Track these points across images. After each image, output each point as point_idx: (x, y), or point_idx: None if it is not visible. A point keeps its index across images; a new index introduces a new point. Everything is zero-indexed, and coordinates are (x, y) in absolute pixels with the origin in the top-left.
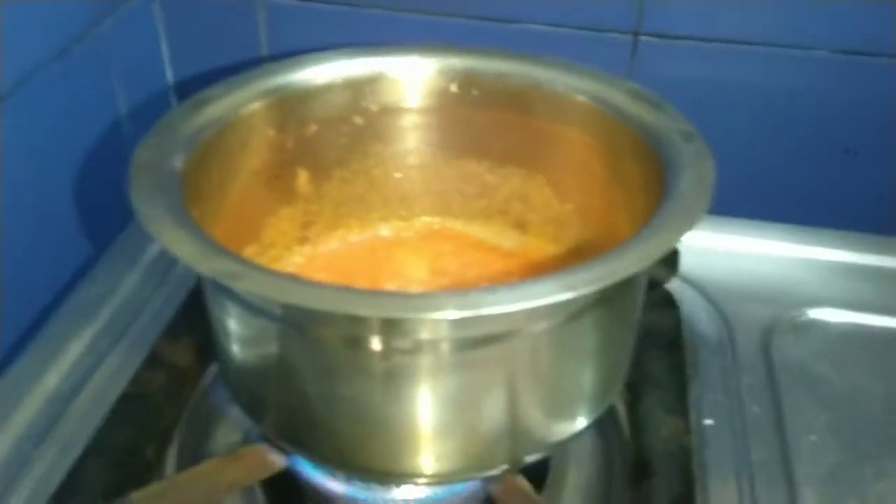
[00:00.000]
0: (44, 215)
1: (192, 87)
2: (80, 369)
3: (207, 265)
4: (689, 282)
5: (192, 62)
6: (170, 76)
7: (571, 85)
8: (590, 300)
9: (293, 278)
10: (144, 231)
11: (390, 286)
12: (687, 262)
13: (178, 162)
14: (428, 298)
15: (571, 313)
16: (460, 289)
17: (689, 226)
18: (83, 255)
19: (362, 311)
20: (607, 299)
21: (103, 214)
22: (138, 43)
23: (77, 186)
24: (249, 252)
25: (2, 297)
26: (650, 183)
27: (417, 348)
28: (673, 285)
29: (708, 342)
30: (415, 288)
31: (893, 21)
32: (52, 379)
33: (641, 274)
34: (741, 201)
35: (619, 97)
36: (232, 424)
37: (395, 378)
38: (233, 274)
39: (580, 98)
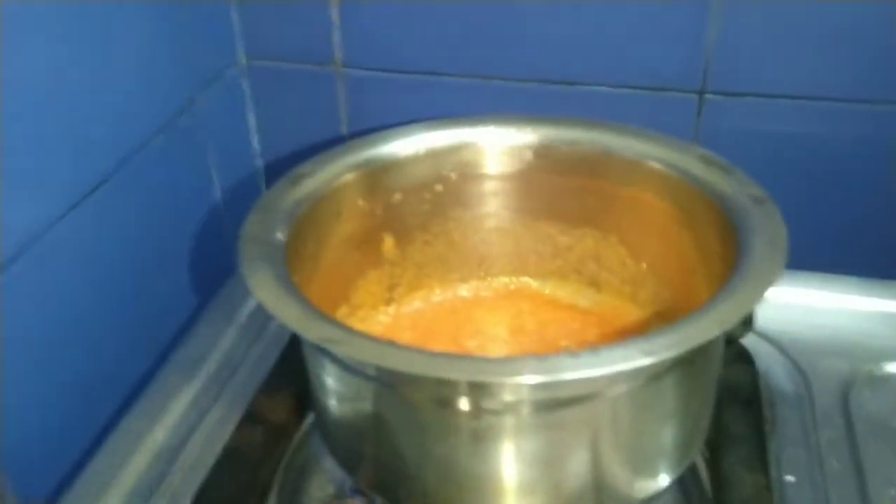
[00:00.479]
0: (147, 280)
1: (279, 154)
2: (184, 425)
3: (313, 331)
4: (765, 337)
5: (278, 133)
6: (258, 146)
7: (643, 151)
8: (669, 363)
9: (388, 343)
10: (239, 291)
11: (471, 344)
12: (762, 317)
13: (280, 234)
14: (511, 363)
15: (651, 376)
16: (541, 354)
17: (764, 289)
18: (182, 317)
19: (452, 374)
20: (686, 361)
21: (202, 279)
22: (229, 116)
23: (175, 252)
24: (341, 313)
25: (111, 357)
26: (724, 245)
27: (502, 410)
28: (748, 340)
29: (786, 397)
30: (494, 346)
31: None
32: (159, 435)
33: (720, 336)
34: (814, 255)
35: (690, 163)
36: (326, 477)
37: (481, 437)
38: (334, 339)
39: (652, 164)
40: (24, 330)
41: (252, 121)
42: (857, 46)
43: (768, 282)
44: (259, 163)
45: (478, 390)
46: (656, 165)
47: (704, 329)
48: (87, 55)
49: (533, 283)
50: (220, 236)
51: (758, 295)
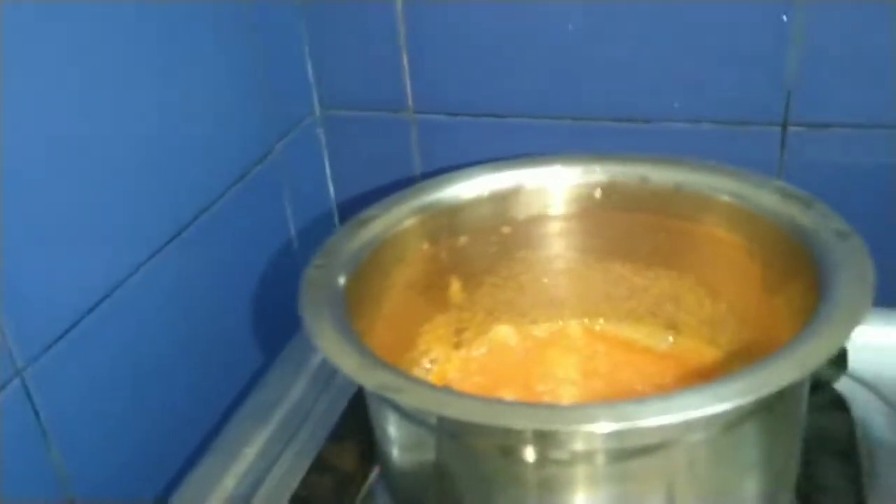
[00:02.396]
0: (223, 327)
1: (352, 200)
2: (254, 473)
3: (371, 379)
4: (861, 381)
5: (351, 179)
6: (332, 193)
7: (716, 186)
8: (748, 409)
9: (448, 391)
10: (307, 341)
11: (542, 388)
12: (856, 360)
13: (342, 279)
14: (578, 410)
15: (728, 423)
16: (611, 400)
17: (850, 329)
18: (256, 363)
19: (513, 423)
20: (767, 407)
21: (275, 325)
22: (305, 164)
23: (252, 299)
24: (408, 358)
25: (186, 402)
26: (807, 284)
27: (570, 459)
28: (842, 385)
29: (885, 447)
30: (566, 390)
31: None
32: (230, 482)
33: (803, 380)
34: None
35: (767, 197)
36: None
37: (548, 488)
38: (393, 387)
39: (726, 199)
40: (99, 378)
41: (327, 168)
42: None
43: (854, 321)
44: (334, 208)
45: (545, 439)
46: (729, 199)
47: (784, 372)
48: (171, 109)
49: (606, 326)
50: (294, 283)
51: (843, 335)
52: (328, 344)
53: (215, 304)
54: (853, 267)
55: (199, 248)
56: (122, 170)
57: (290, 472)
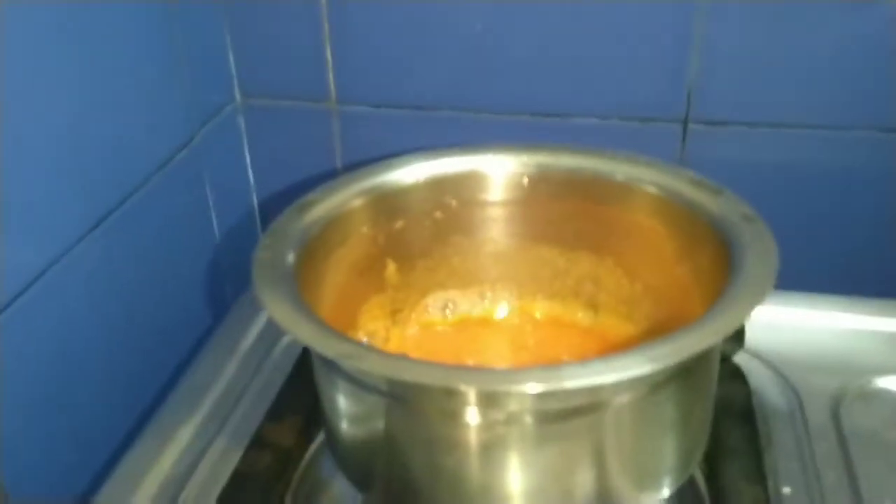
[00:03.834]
0: (148, 312)
1: (272, 191)
2: (190, 454)
3: (330, 348)
4: (757, 355)
5: (272, 168)
6: (252, 181)
7: (634, 175)
8: (669, 373)
9: (401, 357)
10: (240, 322)
11: (473, 363)
12: (753, 337)
13: (291, 258)
14: (517, 373)
15: (652, 386)
16: (546, 364)
17: (757, 301)
18: (184, 348)
19: (461, 384)
20: (685, 372)
21: (199, 311)
22: (226, 152)
23: (177, 285)
24: (350, 335)
25: (114, 391)
26: (717, 264)
27: (508, 420)
28: (741, 358)
29: (779, 412)
30: (496, 363)
31: None
32: (166, 464)
33: (716, 347)
34: (802, 276)
35: (681, 185)
36: (334, 500)
37: (488, 448)
38: (351, 355)
39: (644, 186)
40: (27, 364)
41: (247, 156)
42: (834, 74)
43: (762, 294)
44: (254, 198)
45: (487, 400)
46: (648, 188)
47: (702, 338)
48: (91, 95)
49: (533, 304)
50: (216, 271)
51: (753, 306)
52: (285, 316)
53: (140, 290)
54: (759, 248)
55: (123, 235)
56: (42, 158)
57: (227, 451)
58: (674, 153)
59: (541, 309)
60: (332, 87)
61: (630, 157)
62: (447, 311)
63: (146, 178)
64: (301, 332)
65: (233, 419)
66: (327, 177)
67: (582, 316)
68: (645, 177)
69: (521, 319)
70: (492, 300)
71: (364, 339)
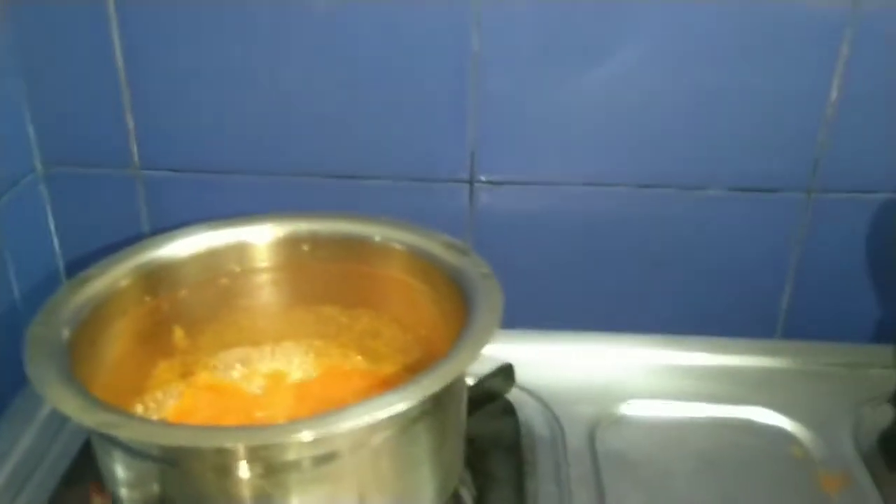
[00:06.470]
0: None
1: (80, 256)
2: None
3: (92, 418)
4: (526, 390)
5: (79, 236)
6: (58, 249)
7: (394, 238)
8: (414, 413)
9: (164, 423)
10: (37, 393)
11: (261, 414)
12: (523, 374)
13: (66, 333)
14: (276, 429)
15: (403, 425)
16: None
17: (480, 347)
18: None
19: (223, 443)
20: (430, 410)
21: (1, 381)
22: (28, 222)
23: None
24: (137, 401)
25: None
26: (461, 313)
27: (274, 470)
28: (513, 395)
29: (543, 441)
30: (283, 413)
31: (677, 159)
32: None
33: (455, 386)
34: (567, 314)
35: (434, 247)
36: None
37: (258, 499)
38: (113, 424)
39: (403, 249)
40: None
41: (52, 225)
42: (591, 136)
43: (484, 341)
44: (60, 264)
45: (248, 454)
46: (405, 249)
47: (435, 380)
48: None
49: (319, 359)
50: (19, 341)
51: (476, 352)
52: (51, 390)
53: None
54: (488, 300)
55: None
56: None
57: None
58: (463, 208)
59: (327, 362)
60: (135, 152)
61: (391, 222)
62: (237, 370)
63: None
64: (65, 405)
65: (29, 487)
66: (135, 240)
67: (364, 364)
68: (405, 239)
69: (307, 371)
70: (280, 356)
71: (156, 402)
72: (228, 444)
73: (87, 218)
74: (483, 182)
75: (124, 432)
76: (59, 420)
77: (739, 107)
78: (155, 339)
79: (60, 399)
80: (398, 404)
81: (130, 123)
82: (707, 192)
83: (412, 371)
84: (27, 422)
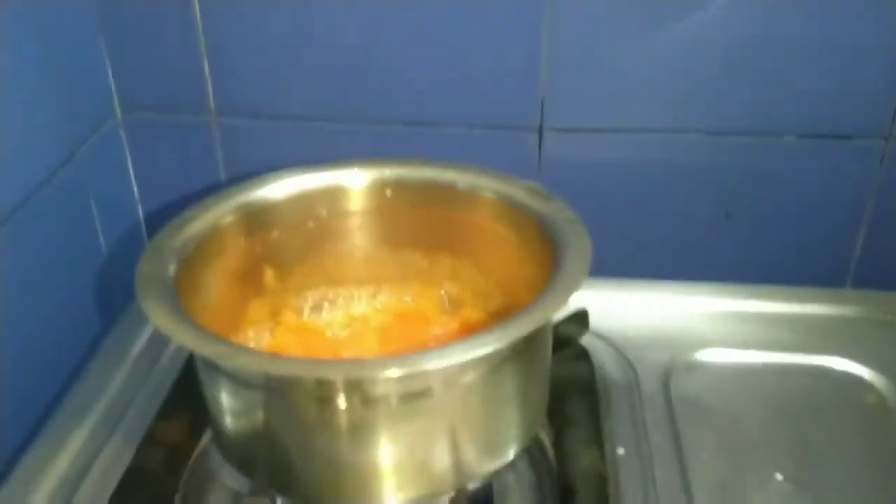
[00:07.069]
0: (37, 327)
1: (157, 204)
2: (85, 454)
3: (207, 349)
4: (600, 336)
5: (156, 181)
6: (137, 195)
7: (481, 185)
8: (503, 354)
9: (271, 355)
10: (129, 332)
11: (347, 355)
12: (596, 320)
13: (171, 270)
14: (375, 362)
15: (492, 366)
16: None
17: (571, 292)
18: (72, 360)
19: (326, 374)
20: (518, 352)
21: (86, 324)
22: (110, 166)
23: (63, 299)
24: (233, 338)
25: (10, 397)
26: (547, 258)
27: (371, 402)
28: (586, 340)
29: (617, 385)
30: (368, 355)
31: (751, 106)
32: (62, 463)
33: (545, 328)
34: (643, 262)
35: (519, 193)
36: (223, 488)
37: (355, 428)
38: (225, 354)
39: (489, 195)
40: None
41: (131, 170)
42: (665, 84)
43: (574, 287)
44: (139, 211)
45: (349, 387)
46: (491, 196)
47: (527, 323)
48: None
49: (399, 302)
50: (105, 282)
51: (566, 297)
52: (165, 323)
53: (26, 307)
54: (577, 246)
55: (7, 252)
56: None
57: (121, 450)
58: (532, 157)
59: (409, 305)
60: (210, 99)
61: (476, 169)
62: (324, 311)
63: (28, 195)
64: (181, 336)
65: (125, 420)
66: (212, 188)
67: (444, 309)
68: (490, 186)
69: (388, 315)
70: (364, 299)
71: (249, 340)
72: (331, 376)
73: (166, 164)
74: (552, 129)
75: (235, 362)
76: (149, 361)
77: (818, 55)
78: (248, 279)
79: (175, 331)
80: (491, 344)
81: (206, 70)
82: (781, 140)
83: (492, 315)
84: (120, 359)
